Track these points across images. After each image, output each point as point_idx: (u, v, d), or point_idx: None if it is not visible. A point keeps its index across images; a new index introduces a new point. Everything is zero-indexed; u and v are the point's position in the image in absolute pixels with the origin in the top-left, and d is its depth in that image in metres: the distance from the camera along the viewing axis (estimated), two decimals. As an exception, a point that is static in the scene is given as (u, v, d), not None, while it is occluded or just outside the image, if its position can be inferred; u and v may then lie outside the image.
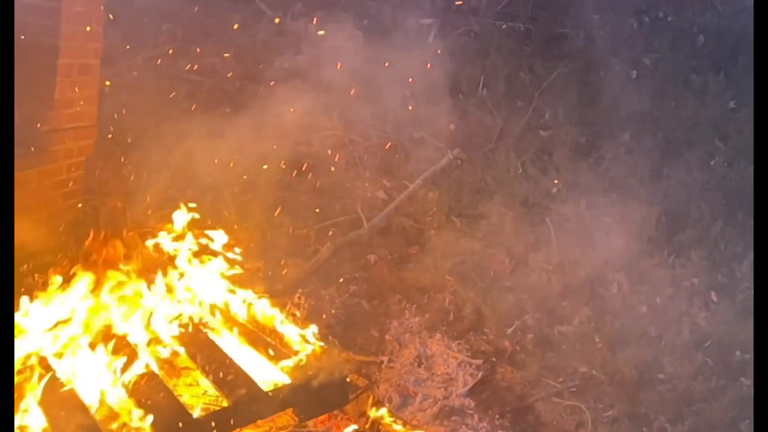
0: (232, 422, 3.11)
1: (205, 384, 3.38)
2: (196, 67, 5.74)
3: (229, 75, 5.82)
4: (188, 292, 3.73)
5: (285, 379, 3.33)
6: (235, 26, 5.83)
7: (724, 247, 4.75)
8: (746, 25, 6.40)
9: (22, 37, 3.76)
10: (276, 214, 4.96)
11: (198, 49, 5.78)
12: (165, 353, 3.39)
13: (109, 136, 4.73)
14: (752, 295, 4.33)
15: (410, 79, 6.04)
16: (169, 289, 3.66)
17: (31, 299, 3.26)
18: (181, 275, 3.76)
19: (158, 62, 5.41)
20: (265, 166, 5.08)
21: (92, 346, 3.26)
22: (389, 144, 5.85)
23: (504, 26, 6.70)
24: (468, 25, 6.72)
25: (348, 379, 3.60)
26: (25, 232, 3.23)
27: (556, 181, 5.34)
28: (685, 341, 4.16)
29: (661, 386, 3.94)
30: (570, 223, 5.13)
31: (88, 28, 3.98)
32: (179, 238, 3.92)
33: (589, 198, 5.30)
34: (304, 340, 3.57)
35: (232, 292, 3.80)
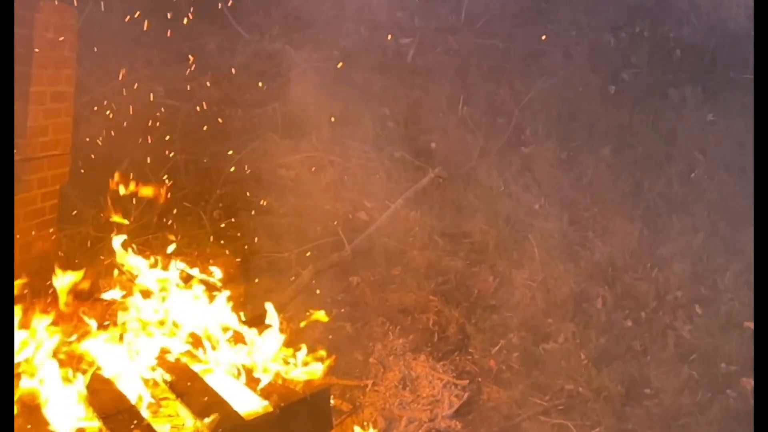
0: (212, 453, 3.04)
1: (186, 414, 3.31)
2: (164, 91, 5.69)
3: (206, 100, 5.77)
4: (167, 319, 3.66)
5: (267, 406, 3.26)
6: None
7: (707, 259, 4.75)
8: (722, 39, 6.46)
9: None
10: (256, 239, 4.91)
11: (174, 74, 5.74)
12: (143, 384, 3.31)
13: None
14: (735, 306, 4.33)
15: (390, 99, 6.05)
16: (147, 318, 3.59)
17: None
18: (158, 302, 3.69)
19: (134, 87, 5.35)
20: (248, 193, 5.04)
21: (66, 379, 3.18)
22: (369, 164, 5.82)
23: (483, 44, 6.72)
24: (447, 44, 6.74)
25: (332, 404, 3.53)
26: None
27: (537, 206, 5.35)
28: (670, 355, 4.15)
29: (648, 401, 3.92)
30: (553, 239, 5.12)
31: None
32: (157, 265, 3.86)
33: (572, 213, 5.30)
34: (285, 364, 3.51)
35: (213, 318, 3.74)
